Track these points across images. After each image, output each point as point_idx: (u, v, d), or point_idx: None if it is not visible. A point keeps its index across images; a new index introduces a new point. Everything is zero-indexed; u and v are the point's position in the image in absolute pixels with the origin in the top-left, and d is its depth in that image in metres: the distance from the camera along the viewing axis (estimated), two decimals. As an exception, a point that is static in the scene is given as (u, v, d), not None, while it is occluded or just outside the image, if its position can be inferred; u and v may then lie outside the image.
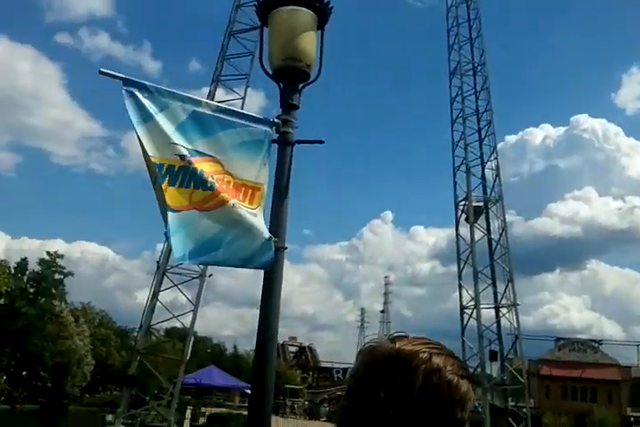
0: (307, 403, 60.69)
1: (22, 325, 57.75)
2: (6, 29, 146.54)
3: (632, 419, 63.14)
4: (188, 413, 33.14)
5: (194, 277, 32.08)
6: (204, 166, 3.40)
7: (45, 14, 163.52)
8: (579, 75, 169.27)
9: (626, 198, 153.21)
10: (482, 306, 32.84)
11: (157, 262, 32.34)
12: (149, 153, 3.31)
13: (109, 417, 34.64)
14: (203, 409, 40.43)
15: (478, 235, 34.67)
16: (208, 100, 3.58)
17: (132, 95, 3.29)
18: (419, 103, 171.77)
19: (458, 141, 35.45)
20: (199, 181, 3.36)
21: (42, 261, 61.98)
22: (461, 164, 35.03)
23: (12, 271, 59.84)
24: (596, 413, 61.91)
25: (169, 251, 30.47)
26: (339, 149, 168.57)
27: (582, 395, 69.53)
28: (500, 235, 34.73)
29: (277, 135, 3.76)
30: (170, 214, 3.31)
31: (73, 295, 77.70)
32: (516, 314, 33.16)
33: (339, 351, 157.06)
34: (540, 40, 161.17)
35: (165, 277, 32.34)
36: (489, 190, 35.65)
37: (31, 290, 61.52)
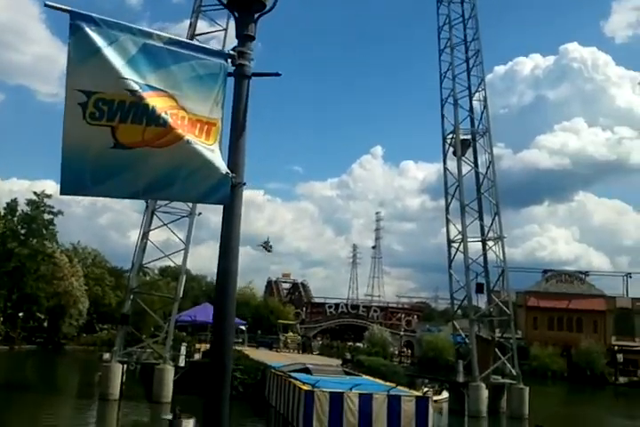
0: (300, 338, 61.91)
1: (15, 266, 58.02)
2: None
3: (616, 348, 64.88)
4: (183, 349, 33.83)
5: (183, 216, 32.12)
6: (156, 102, 3.30)
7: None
8: (568, 1, 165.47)
9: (614, 129, 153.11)
10: (469, 240, 33.10)
11: (146, 202, 32.25)
12: (98, 89, 3.21)
13: (106, 355, 35.30)
14: (197, 346, 41.17)
15: (466, 169, 34.59)
16: (159, 32, 3.42)
17: (79, 29, 3.16)
18: (405, 34, 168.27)
19: (445, 72, 34.87)
20: (152, 118, 3.27)
21: (30, 202, 61.59)
22: (449, 95, 34.55)
23: (2, 213, 59.72)
24: (582, 342, 63.58)
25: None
26: (325, 84, 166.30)
27: (568, 325, 71.11)
28: (488, 168, 34.64)
29: (234, 68, 3.63)
30: (120, 152, 3.24)
31: (68, 236, 77.89)
32: (502, 247, 33.49)
33: (331, 287, 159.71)
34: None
35: (155, 217, 32.37)
36: (477, 123, 35.35)
37: (22, 231, 61.43)
